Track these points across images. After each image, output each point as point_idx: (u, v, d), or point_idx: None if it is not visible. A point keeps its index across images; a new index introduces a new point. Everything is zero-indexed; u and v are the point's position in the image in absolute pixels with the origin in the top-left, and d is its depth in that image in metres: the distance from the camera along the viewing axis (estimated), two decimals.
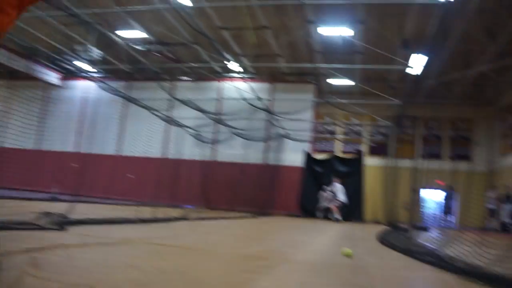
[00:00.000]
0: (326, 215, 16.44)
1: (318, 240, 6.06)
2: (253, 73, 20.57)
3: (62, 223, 4.39)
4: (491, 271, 3.38)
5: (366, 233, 8.93)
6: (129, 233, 4.38)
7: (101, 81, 13.02)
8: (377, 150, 20.64)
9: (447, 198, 15.62)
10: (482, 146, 19.41)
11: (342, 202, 15.40)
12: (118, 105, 18.10)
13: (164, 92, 15.52)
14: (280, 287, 2.35)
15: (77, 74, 18.29)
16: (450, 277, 3.22)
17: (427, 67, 12.73)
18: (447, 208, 15.59)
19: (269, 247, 4.38)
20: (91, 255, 2.82)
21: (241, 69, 18.11)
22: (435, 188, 15.29)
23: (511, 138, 17.93)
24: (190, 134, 16.27)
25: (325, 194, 16.59)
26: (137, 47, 16.68)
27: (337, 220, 15.12)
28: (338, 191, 15.64)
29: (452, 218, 15.95)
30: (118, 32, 16.17)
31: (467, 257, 4.19)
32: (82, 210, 5.79)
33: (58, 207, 5.10)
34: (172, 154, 15.75)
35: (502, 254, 4.03)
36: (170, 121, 15.21)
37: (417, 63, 11.79)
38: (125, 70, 19.40)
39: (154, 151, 16.23)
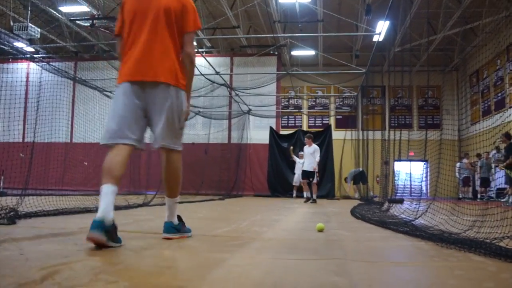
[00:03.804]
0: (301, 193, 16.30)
1: (290, 218, 6.12)
2: (210, 47, 20.32)
3: (11, 217, 4.24)
4: (465, 236, 3.50)
5: (338, 209, 9.10)
6: (87, 223, 4.27)
7: (45, 62, 12.55)
8: (345, 122, 20.93)
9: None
10: (452, 114, 20.03)
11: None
12: (67, 88, 17.56)
13: (116, 71, 15.13)
14: (251, 265, 2.35)
15: (17, 55, 17.60)
16: (426, 244, 3.31)
17: (392, 33, 12.89)
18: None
19: (239, 227, 4.38)
20: (45, 246, 2.74)
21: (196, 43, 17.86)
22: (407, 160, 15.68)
23: (480, 104, 18.55)
24: None
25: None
26: (81, 23, 16.13)
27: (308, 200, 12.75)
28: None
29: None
30: (60, 8, 15.59)
31: (442, 225, 4.34)
32: (34, 203, 5.61)
33: (6, 201, 4.92)
34: None
35: (475, 220, 4.18)
36: None
37: (382, 30, 11.92)
38: (71, 49, 18.79)
39: None
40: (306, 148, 12.76)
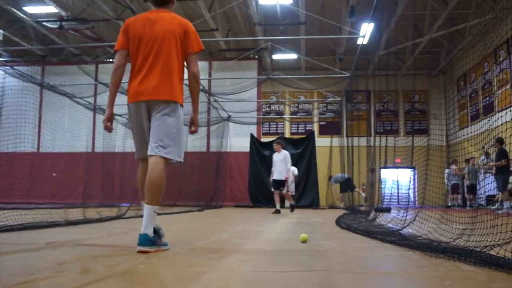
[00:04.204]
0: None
1: (272, 229, 6.11)
2: None
3: None
4: (454, 244, 3.54)
5: (323, 218, 9.12)
6: (56, 237, 4.21)
7: (8, 66, 12.37)
8: (329, 128, 21.02)
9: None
10: (440, 119, 20.29)
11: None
12: (33, 94, 17.29)
13: (87, 76, 14.97)
14: (232, 278, 2.33)
15: None
16: (414, 254, 3.34)
17: (377, 36, 13.04)
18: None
19: (219, 239, 4.36)
20: (9, 263, 2.67)
21: None
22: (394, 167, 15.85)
23: (468, 109, 18.85)
24: (121, 123, 15.84)
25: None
26: (49, 24, 15.90)
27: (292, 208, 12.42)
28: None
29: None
30: (24, 8, 15.40)
31: (431, 234, 4.38)
32: None
33: None
34: (101, 147, 15.27)
35: (464, 228, 4.23)
36: (96, 109, 14.74)
37: (366, 32, 12.05)
38: (37, 52, 18.56)
39: (80, 144, 15.69)
40: (275, 155, 11.87)
